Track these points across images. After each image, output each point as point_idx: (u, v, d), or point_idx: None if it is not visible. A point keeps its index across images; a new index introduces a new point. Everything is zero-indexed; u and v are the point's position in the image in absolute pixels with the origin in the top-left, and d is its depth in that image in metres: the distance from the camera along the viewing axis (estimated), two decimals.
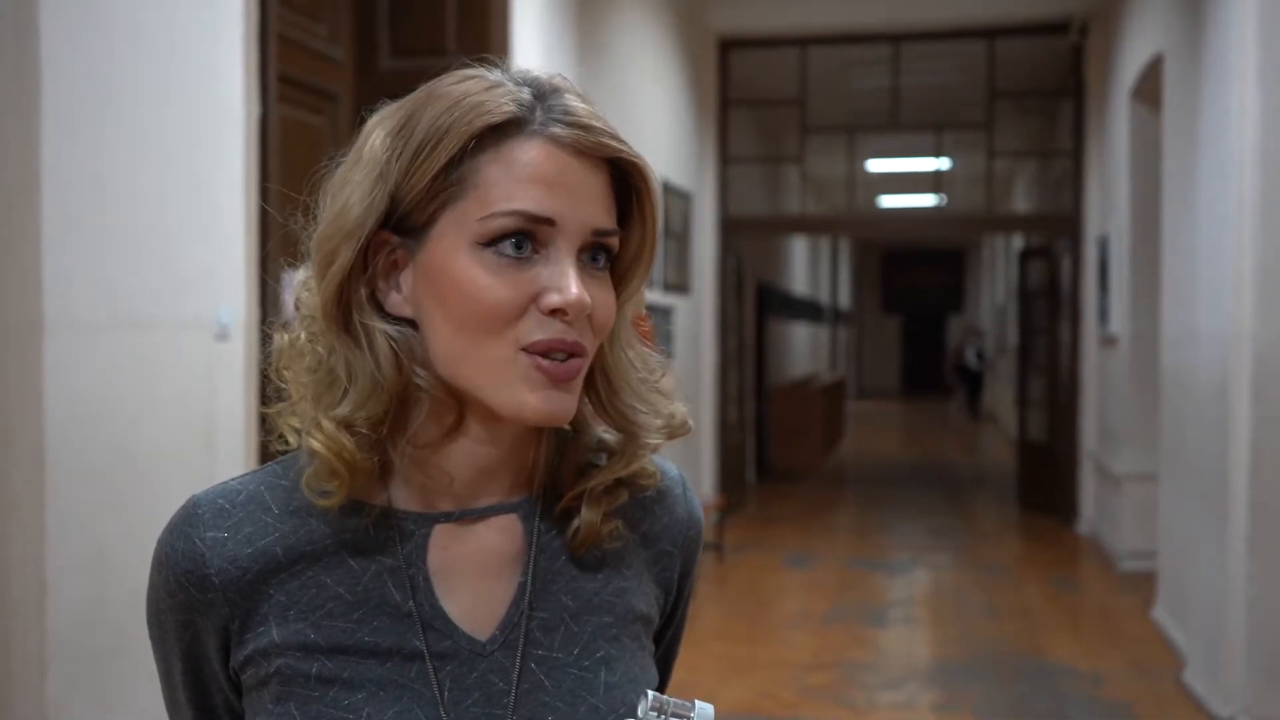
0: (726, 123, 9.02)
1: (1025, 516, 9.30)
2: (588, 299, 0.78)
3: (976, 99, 9.10)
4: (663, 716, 0.81)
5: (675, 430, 0.88)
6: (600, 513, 0.86)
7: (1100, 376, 8.04)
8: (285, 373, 0.84)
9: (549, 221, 0.78)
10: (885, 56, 8.97)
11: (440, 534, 0.85)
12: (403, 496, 0.85)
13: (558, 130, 0.79)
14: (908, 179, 13.44)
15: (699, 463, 8.29)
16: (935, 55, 9.20)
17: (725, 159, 9.00)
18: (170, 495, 2.61)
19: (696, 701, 0.83)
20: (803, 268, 16.22)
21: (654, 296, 6.88)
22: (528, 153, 0.79)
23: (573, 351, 0.79)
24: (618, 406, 0.87)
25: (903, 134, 10.32)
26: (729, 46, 8.90)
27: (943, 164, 11.46)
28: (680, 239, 7.84)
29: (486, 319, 0.78)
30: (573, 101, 0.81)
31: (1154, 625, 5.68)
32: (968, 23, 8.63)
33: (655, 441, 0.88)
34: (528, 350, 0.79)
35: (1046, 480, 9.10)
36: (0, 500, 2.32)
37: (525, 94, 0.80)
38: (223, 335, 2.86)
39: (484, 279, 0.78)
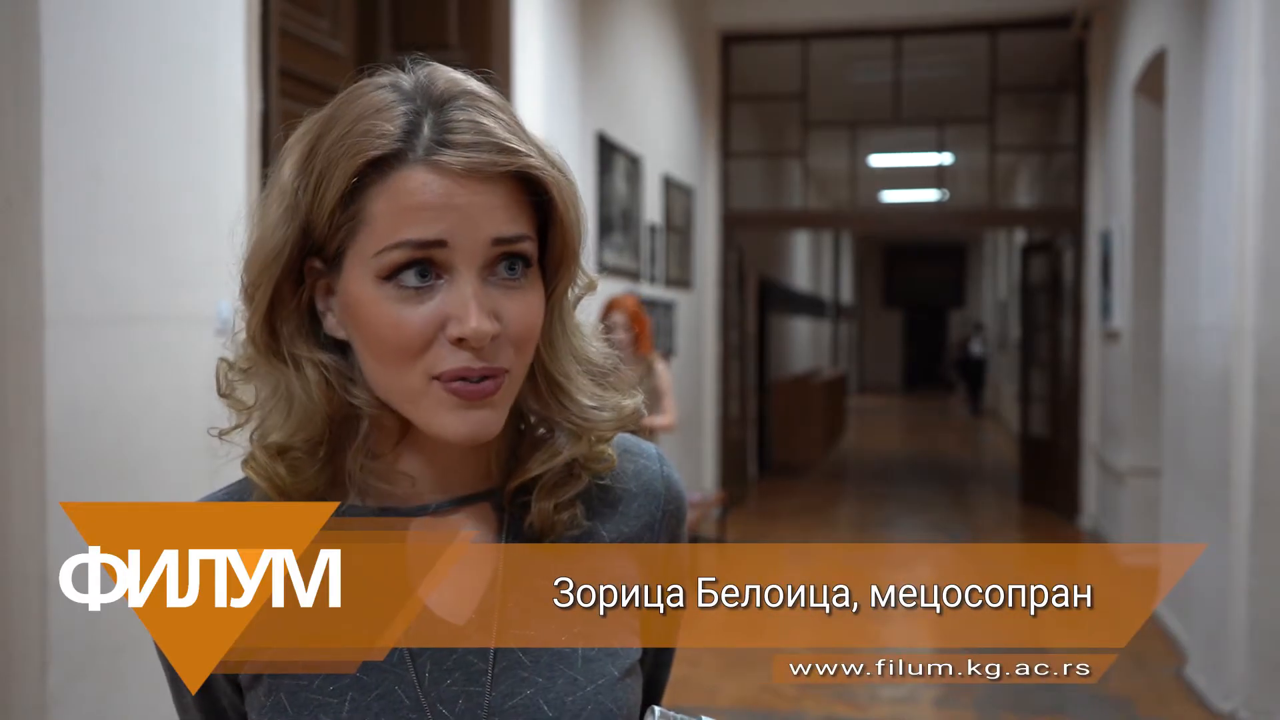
0: (728, 117, 9.01)
1: (1027, 511, 9.29)
2: (488, 327, 0.79)
3: (979, 93, 9.09)
4: None
5: (624, 422, 0.89)
6: (553, 503, 0.87)
7: (1102, 371, 8.03)
8: (227, 400, 0.86)
9: (440, 244, 0.78)
10: (887, 51, 8.95)
11: (416, 524, 0.87)
12: (377, 497, 0.87)
13: (440, 156, 0.78)
14: (910, 174, 13.42)
15: (701, 457, 8.30)
16: (937, 50, 9.19)
17: (727, 154, 8.99)
18: (172, 491, 2.61)
19: (703, 717, 0.85)
20: (804, 263, 16.21)
21: (656, 291, 6.87)
22: (410, 182, 0.78)
23: (485, 375, 0.80)
24: (563, 404, 0.87)
25: (905, 129, 10.30)
26: (731, 41, 8.89)
27: (945, 159, 11.45)
28: (682, 234, 7.83)
29: (396, 351, 0.79)
30: (459, 116, 0.79)
31: (1155, 620, 5.68)
32: (970, 17, 8.62)
33: (606, 435, 0.89)
34: (439, 379, 0.79)
35: (1048, 475, 9.09)
36: (0, 496, 2.32)
37: (413, 114, 0.79)
38: (223, 330, 2.86)
39: (389, 313, 0.79)
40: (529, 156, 0.80)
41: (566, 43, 4.92)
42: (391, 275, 0.79)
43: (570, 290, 0.88)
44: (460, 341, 0.79)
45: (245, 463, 0.84)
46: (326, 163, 0.79)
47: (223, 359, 0.87)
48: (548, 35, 4.59)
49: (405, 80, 0.82)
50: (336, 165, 0.79)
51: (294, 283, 0.82)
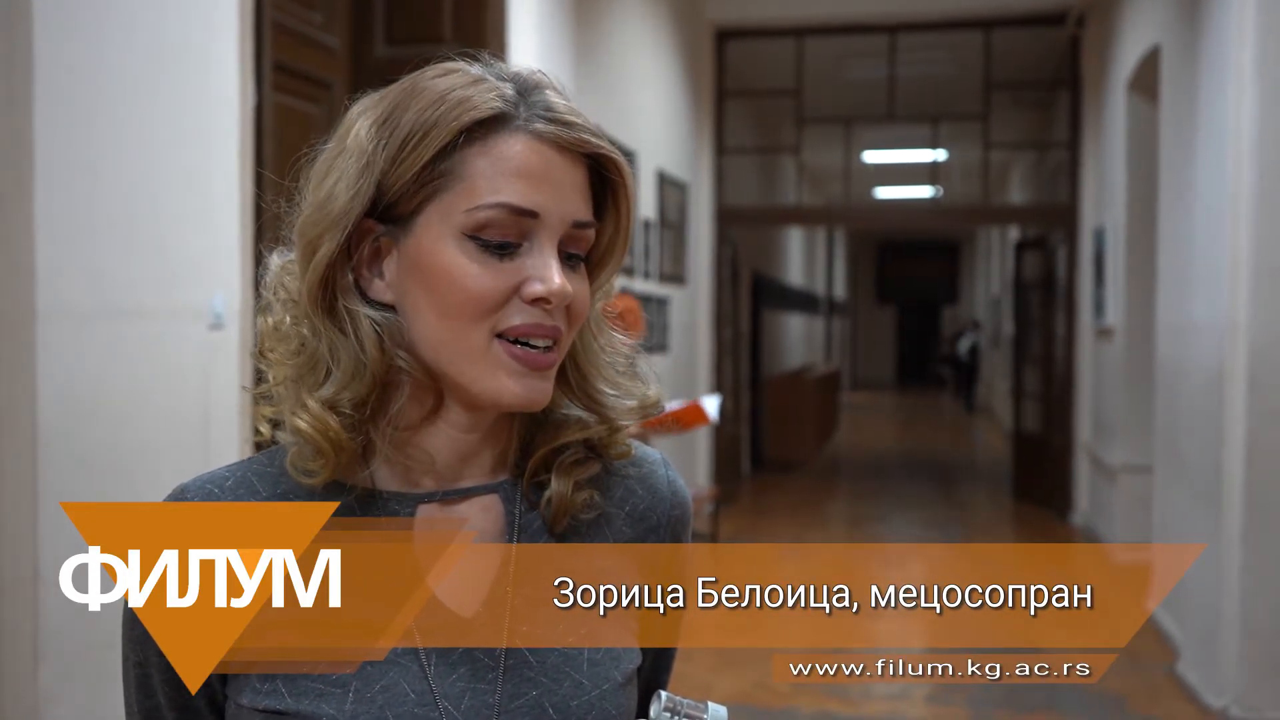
0: (723, 113, 9.01)
1: (1019, 508, 9.31)
2: (569, 288, 0.83)
3: (973, 90, 9.09)
4: (676, 717, 0.82)
5: (647, 411, 0.92)
6: (570, 483, 0.89)
7: (1095, 368, 8.05)
8: (269, 355, 0.87)
9: (532, 214, 0.82)
10: (882, 47, 8.96)
11: (424, 514, 0.87)
12: (386, 477, 0.87)
13: (540, 126, 0.83)
14: (904, 170, 13.44)
15: (693, 454, 8.30)
16: (931, 46, 9.19)
17: (721, 149, 8.99)
18: (164, 485, 2.60)
19: (710, 703, 0.84)
20: (798, 259, 16.22)
21: (650, 287, 6.87)
22: (513, 147, 0.82)
23: (551, 337, 0.83)
24: (589, 391, 0.90)
25: (899, 125, 10.31)
26: (726, 37, 8.89)
27: (939, 155, 11.46)
28: (676, 230, 7.83)
29: (471, 306, 0.81)
30: (553, 98, 0.84)
31: (1147, 617, 5.70)
32: (964, 14, 8.62)
33: (627, 423, 0.91)
34: (504, 335, 0.82)
35: (1041, 472, 9.11)
36: None
37: (508, 90, 0.83)
38: (217, 324, 2.85)
39: (470, 268, 0.81)
40: (610, 145, 0.86)
41: (560, 37, 4.91)
42: (477, 232, 0.81)
43: (603, 288, 0.91)
44: (536, 302, 0.82)
45: (292, 416, 0.83)
46: (419, 124, 0.81)
47: (264, 317, 0.88)
48: (542, 29, 4.58)
49: (487, 65, 0.86)
50: (435, 125, 0.81)
51: (348, 244, 0.84)
